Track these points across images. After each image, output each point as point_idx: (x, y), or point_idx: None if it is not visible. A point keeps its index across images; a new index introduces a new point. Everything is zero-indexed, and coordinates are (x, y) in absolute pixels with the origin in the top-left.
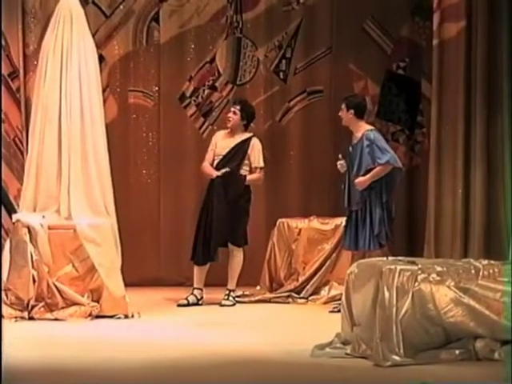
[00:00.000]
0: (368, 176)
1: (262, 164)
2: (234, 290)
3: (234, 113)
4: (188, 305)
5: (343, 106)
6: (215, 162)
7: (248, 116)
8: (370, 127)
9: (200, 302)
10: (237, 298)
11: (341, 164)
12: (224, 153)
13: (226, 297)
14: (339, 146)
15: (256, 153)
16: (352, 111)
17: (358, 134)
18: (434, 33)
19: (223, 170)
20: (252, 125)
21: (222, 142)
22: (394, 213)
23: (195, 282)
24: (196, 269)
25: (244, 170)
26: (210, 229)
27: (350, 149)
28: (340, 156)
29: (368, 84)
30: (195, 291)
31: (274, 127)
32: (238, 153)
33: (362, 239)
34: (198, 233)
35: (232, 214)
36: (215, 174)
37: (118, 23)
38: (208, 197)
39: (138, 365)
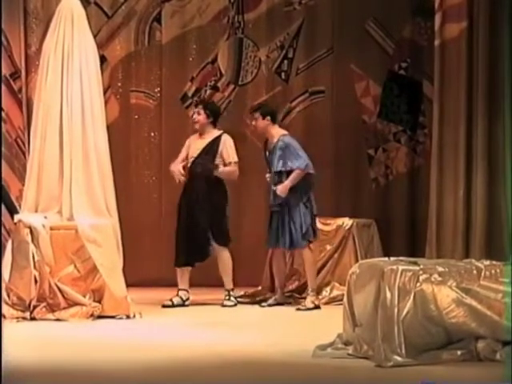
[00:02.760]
0: (286, 183)
1: (235, 159)
2: (232, 289)
3: (198, 113)
4: (173, 306)
5: (257, 115)
6: (189, 164)
7: (212, 113)
8: (284, 132)
9: (186, 303)
10: (238, 299)
11: (269, 177)
12: (196, 154)
13: (227, 297)
14: (341, 146)
15: (228, 149)
16: (268, 117)
17: (274, 139)
18: (435, 33)
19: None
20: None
21: (194, 144)
22: (315, 210)
23: (179, 283)
24: (178, 270)
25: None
26: (190, 230)
27: (267, 153)
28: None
29: (370, 84)
30: (180, 292)
31: None
32: (210, 152)
33: (287, 238)
34: (178, 235)
35: (211, 214)
36: (177, 169)
37: (120, 24)
38: (184, 197)
39: (140, 365)
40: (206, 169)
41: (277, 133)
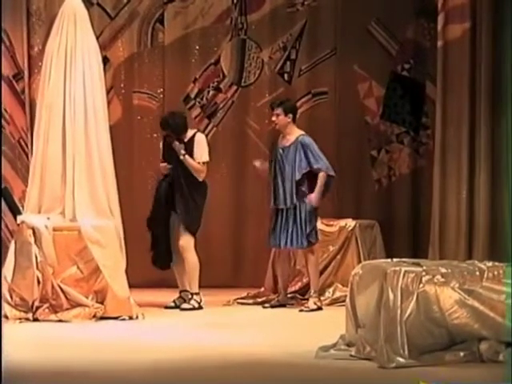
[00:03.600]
0: (316, 191)
1: (204, 159)
2: (197, 293)
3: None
4: (176, 307)
5: (279, 111)
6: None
7: (177, 130)
8: (302, 132)
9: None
10: (241, 300)
11: (260, 163)
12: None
13: (189, 300)
14: (343, 147)
15: (198, 148)
16: (290, 115)
17: (292, 137)
18: (438, 34)
19: (182, 152)
20: (256, 126)
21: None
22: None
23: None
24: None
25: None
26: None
27: (281, 151)
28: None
29: (372, 85)
30: (183, 293)
31: None
32: (186, 152)
33: (292, 237)
34: (157, 237)
35: (188, 201)
36: (164, 167)
37: (123, 25)
38: (159, 192)
39: (142, 366)
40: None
41: (296, 131)
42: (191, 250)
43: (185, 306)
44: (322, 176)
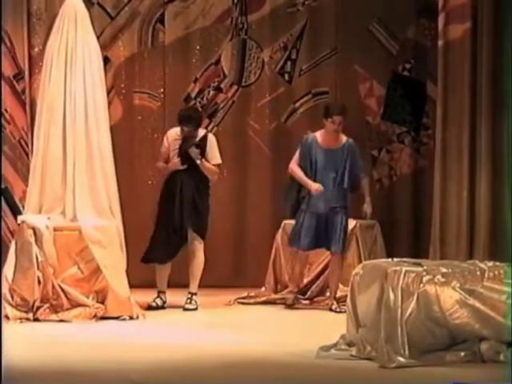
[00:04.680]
0: (368, 200)
1: (219, 161)
2: (195, 294)
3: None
4: (157, 307)
5: (341, 119)
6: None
7: (196, 122)
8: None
9: (165, 306)
10: (242, 300)
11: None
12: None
13: (189, 300)
14: None
15: (212, 150)
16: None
17: (343, 141)
18: (439, 34)
19: (199, 156)
20: (256, 126)
21: (175, 143)
22: None
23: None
24: (158, 269)
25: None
26: (179, 220)
27: (324, 153)
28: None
29: (373, 85)
30: (161, 294)
31: (279, 128)
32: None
33: (331, 241)
34: (159, 230)
35: (197, 205)
36: (179, 164)
37: (124, 24)
38: (170, 191)
39: (143, 366)
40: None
41: (343, 136)
42: (202, 250)
43: (188, 306)
44: (367, 182)
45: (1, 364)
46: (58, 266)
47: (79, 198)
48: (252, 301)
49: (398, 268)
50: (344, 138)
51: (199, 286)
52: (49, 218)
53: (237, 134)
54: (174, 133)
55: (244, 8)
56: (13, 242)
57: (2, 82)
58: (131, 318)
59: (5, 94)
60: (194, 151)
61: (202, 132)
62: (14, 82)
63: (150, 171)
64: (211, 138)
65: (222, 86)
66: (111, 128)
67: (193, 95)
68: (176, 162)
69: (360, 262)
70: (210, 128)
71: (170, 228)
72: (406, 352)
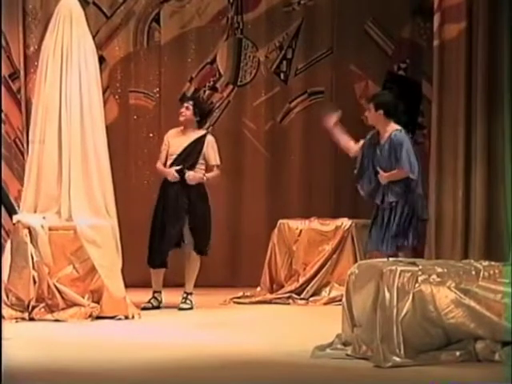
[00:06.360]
0: (387, 174)
1: (218, 162)
2: (191, 293)
3: (187, 108)
4: (153, 308)
5: (370, 106)
6: (168, 162)
7: (201, 112)
8: (398, 127)
9: (161, 306)
10: (237, 300)
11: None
12: (178, 152)
13: (184, 300)
14: (340, 146)
15: (211, 150)
16: (381, 111)
17: (386, 135)
18: (434, 34)
19: (177, 168)
20: (252, 125)
21: (174, 141)
22: None
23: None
24: (153, 272)
25: (199, 170)
26: (165, 229)
27: (378, 151)
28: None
29: (369, 85)
30: (156, 294)
31: (274, 128)
32: (193, 152)
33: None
34: (154, 234)
35: (194, 218)
36: (173, 172)
37: (119, 24)
38: (163, 197)
39: (138, 366)
40: (188, 168)
41: (390, 128)
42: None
43: (184, 305)
44: (401, 171)
45: (0, 364)
46: (54, 265)
47: (75, 197)
48: (247, 300)
49: (393, 268)
50: (391, 130)
51: (195, 286)
52: (44, 218)
53: (232, 133)
54: (175, 131)
55: (240, 7)
56: (8, 242)
57: None
58: (126, 317)
59: None
60: (190, 175)
61: (201, 132)
62: (10, 82)
63: (146, 171)
64: (210, 138)
65: (218, 85)
66: (107, 127)
67: (188, 95)
68: (173, 174)
69: (355, 261)
70: (205, 127)
71: (165, 236)
72: (402, 351)
